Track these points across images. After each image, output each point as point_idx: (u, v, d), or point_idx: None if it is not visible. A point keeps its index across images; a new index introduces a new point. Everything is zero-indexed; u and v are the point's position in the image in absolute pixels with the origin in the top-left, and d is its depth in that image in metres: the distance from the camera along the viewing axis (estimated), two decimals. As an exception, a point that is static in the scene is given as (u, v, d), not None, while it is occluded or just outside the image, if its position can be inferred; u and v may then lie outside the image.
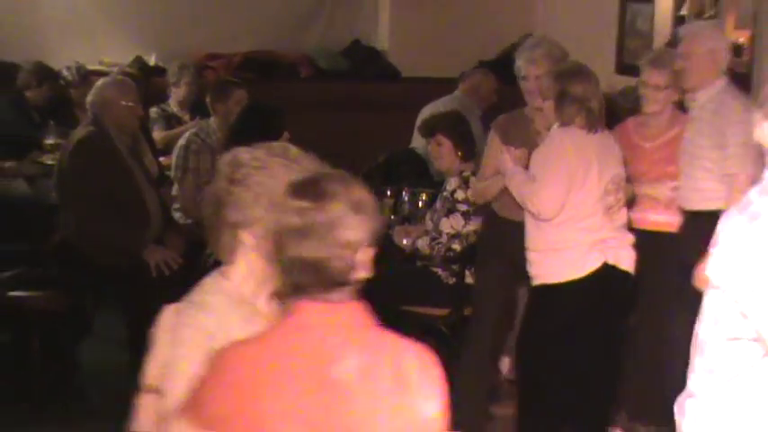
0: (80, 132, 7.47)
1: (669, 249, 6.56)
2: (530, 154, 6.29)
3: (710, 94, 6.44)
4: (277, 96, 8.76)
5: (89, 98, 7.56)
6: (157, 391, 3.06)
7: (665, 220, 6.72)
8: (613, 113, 7.12)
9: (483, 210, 6.99)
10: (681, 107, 6.85)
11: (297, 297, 2.94)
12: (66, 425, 6.90)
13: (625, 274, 6.20)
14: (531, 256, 6.19)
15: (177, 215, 8.28)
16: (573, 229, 6.09)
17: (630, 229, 6.42)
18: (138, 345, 7.26)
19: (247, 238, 3.18)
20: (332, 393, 2.87)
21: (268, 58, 11.66)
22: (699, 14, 11.31)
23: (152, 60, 11.55)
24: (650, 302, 6.67)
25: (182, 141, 8.47)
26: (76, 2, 11.85)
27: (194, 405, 2.90)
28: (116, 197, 7.21)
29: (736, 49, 11.78)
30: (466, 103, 9.10)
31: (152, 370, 3.13)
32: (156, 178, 8.11)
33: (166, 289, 7.21)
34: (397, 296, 7.05)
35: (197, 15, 11.87)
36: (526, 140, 6.45)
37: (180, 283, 7.23)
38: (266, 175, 3.16)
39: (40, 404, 7.12)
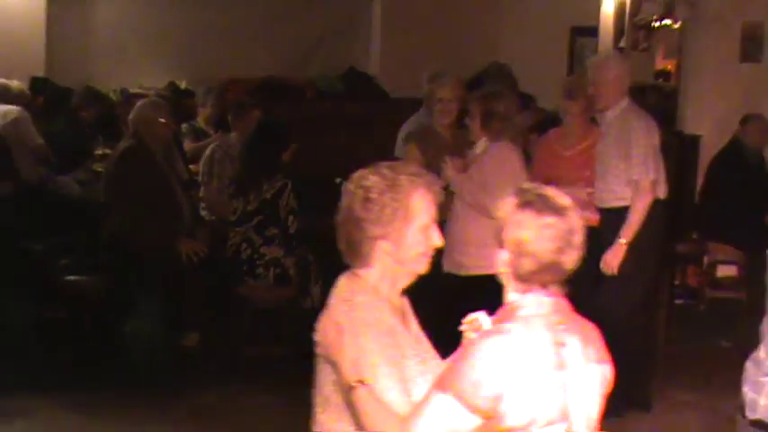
0: (123, 144, 7.50)
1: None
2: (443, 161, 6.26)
3: (616, 112, 6.48)
4: (286, 114, 8.79)
5: (131, 116, 7.57)
6: (365, 383, 2.95)
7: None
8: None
9: None
10: (594, 119, 6.90)
11: (530, 291, 2.99)
12: (111, 384, 6.92)
13: None
14: (470, 249, 6.17)
15: (204, 213, 8.31)
16: None
17: None
18: (171, 319, 7.35)
19: (386, 246, 3.10)
20: (565, 373, 2.93)
21: (278, 83, 11.66)
22: (634, 47, 11.36)
23: (183, 85, 11.57)
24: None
25: (207, 152, 8.51)
26: (121, 37, 11.89)
27: (463, 391, 2.84)
28: (153, 198, 7.22)
29: (665, 75, 11.89)
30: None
31: (350, 368, 2.97)
32: (187, 182, 8.12)
33: (194, 273, 7.31)
34: None
35: (220, 48, 11.91)
36: (440, 150, 6.40)
37: (205, 268, 7.35)
38: (397, 191, 3.09)
39: (91, 368, 7.16)
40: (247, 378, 7.24)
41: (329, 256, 7.46)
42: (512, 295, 3.03)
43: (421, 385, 3.01)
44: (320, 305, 8.91)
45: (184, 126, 9.63)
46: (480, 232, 6.10)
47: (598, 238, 6.50)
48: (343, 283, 3.18)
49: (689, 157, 10.04)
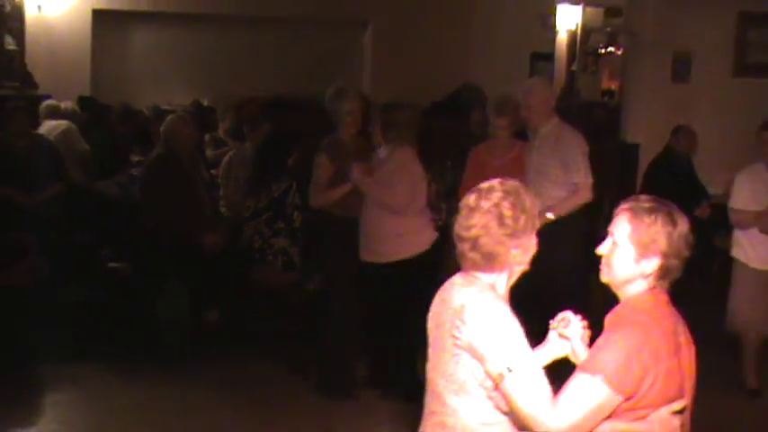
0: (155, 152, 7.48)
1: None
2: (350, 167, 6.12)
3: (548, 128, 6.40)
4: (290, 126, 8.77)
5: (162, 128, 7.53)
6: (514, 370, 2.81)
7: None
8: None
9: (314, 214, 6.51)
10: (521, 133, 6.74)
11: (665, 288, 2.97)
12: (145, 354, 6.96)
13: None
14: (387, 240, 5.99)
15: (223, 210, 8.30)
16: (420, 215, 6.07)
17: None
18: (195, 302, 7.35)
19: (516, 253, 2.98)
20: (679, 355, 2.92)
21: (286, 100, 11.64)
22: (584, 69, 11.43)
23: (206, 102, 11.59)
24: None
25: (226, 158, 8.49)
26: (152, 61, 11.92)
27: (611, 373, 2.78)
28: (180, 197, 7.20)
29: (610, 94, 11.92)
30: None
31: (498, 358, 2.83)
32: (209, 184, 8.11)
33: (214, 261, 7.31)
34: None
35: (237, 71, 11.97)
36: (346, 157, 6.26)
37: (224, 256, 7.34)
38: (523, 203, 3.00)
39: (129, 341, 7.16)
40: (258, 349, 7.26)
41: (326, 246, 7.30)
42: (632, 293, 2.97)
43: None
44: (320, 288, 8.65)
45: (207, 137, 9.64)
46: (393, 225, 5.98)
47: None
48: (462, 284, 3.03)
49: (630, 162, 10.08)
